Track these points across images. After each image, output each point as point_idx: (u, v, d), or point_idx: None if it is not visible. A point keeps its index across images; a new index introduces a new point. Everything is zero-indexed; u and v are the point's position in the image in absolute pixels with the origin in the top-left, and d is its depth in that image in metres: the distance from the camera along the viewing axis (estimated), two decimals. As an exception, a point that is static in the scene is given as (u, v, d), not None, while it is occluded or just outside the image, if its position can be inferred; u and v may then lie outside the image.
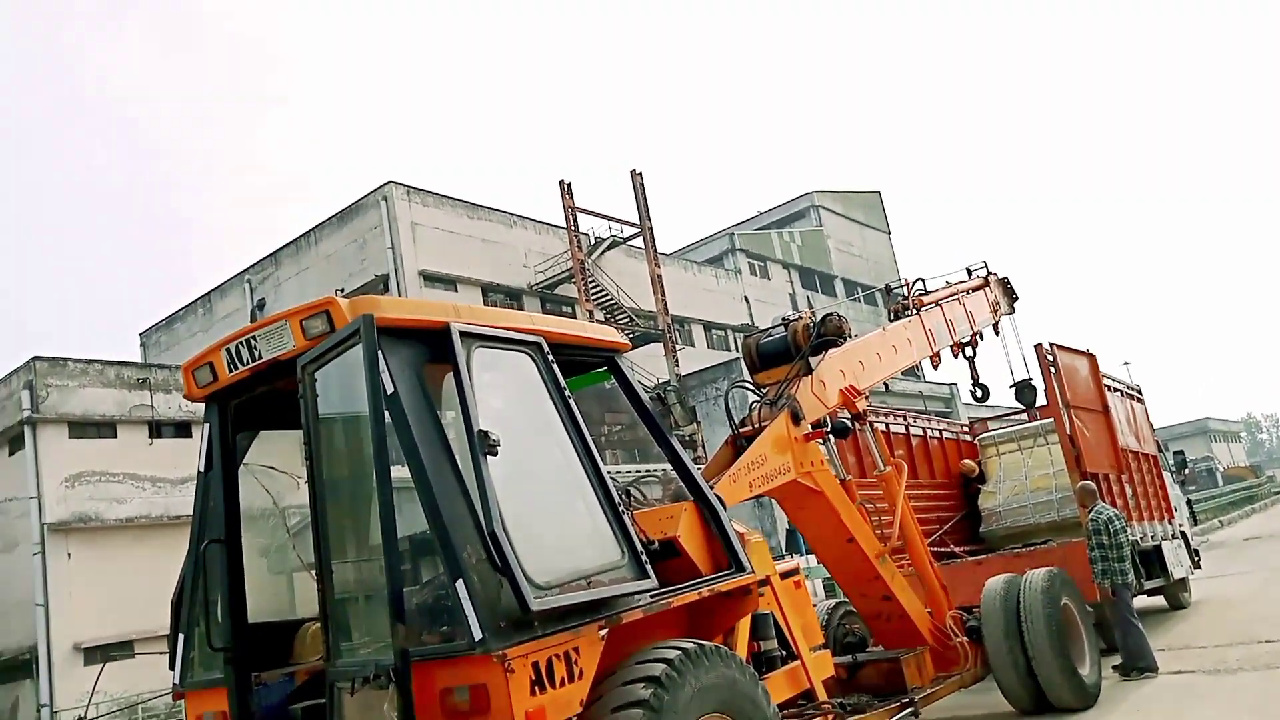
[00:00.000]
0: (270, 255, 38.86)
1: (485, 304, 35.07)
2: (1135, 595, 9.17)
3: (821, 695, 5.88)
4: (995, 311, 11.78)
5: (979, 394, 11.79)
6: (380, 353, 3.74)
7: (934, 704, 7.37)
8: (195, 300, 42.16)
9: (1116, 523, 8.98)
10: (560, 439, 4.34)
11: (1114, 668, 8.73)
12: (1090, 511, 9.06)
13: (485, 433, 3.75)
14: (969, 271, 11.93)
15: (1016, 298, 12.58)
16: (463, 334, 4.06)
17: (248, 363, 4.34)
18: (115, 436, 27.54)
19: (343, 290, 34.94)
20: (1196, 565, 13.59)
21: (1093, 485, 9.50)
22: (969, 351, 11.18)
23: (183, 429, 28.74)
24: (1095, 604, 9.44)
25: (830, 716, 5.74)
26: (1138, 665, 8.47)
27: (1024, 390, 11.64)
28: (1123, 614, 8.69)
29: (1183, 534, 13.19)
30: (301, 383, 4.02)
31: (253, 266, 39.51)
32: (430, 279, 34.53)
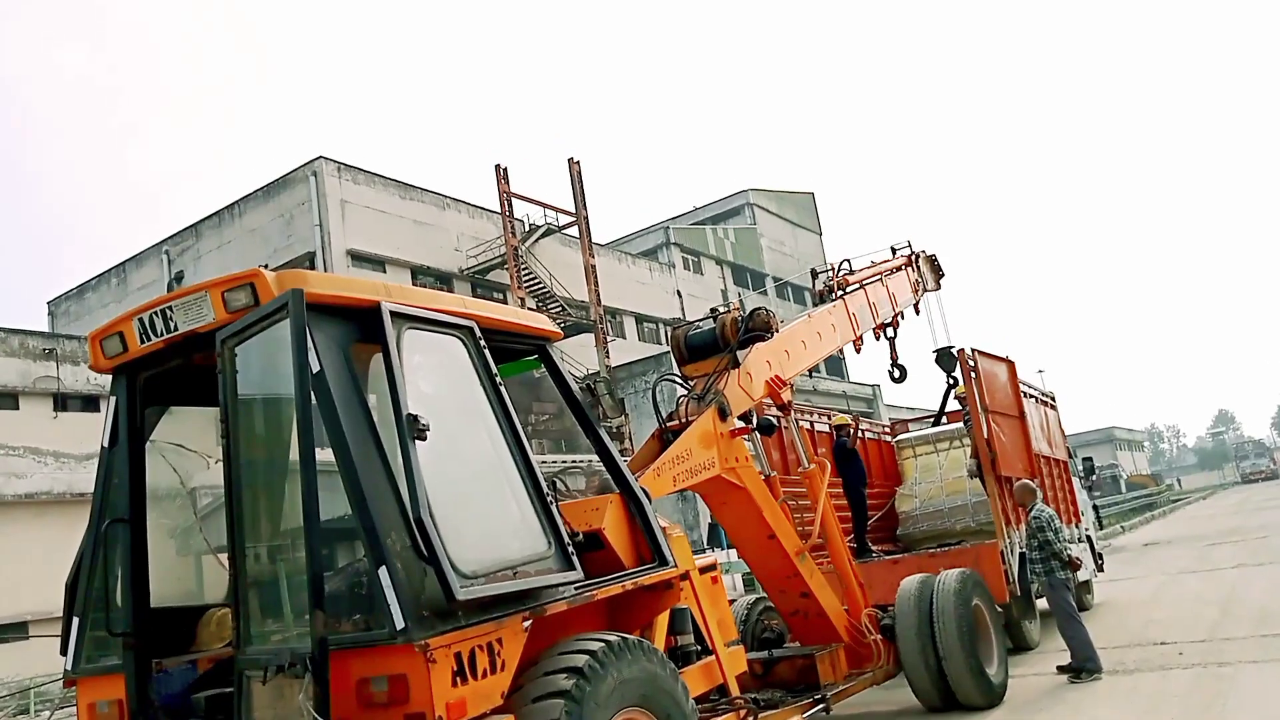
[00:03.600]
0: (190, 226, 37.61)
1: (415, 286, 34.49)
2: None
3: (735, 690, 5.92)
4: (917, 290, 12.02)
5: (897, 375, 12.03)
6: (307, 330, 3.60)
7: (845, 700, 7.48)
8: (109, 270, 40.56)
9: (1057, 521, 9.19)
10: (490, 426, 4.25)
11: (1059, 668, 8.85)
12: (1030, 510, 9.22)
13: (414, 417, 3.65)
14: (893, 250, 12.16)
15: (943, 274, 12.86)
16: (394, 314, 3.95)
17: (162, 334, 4.15)
18: (17, 408, 26.37)
19: (267, 266, 33.96)
20: (1100, 568, 14.12)
21: (1033, 485, 9.66)
22: (890, 332, 11.40)
23: (90, 402, 27.65)
24: (1005, 604, 9.71)
25: (743, 711, 5.77)
26: (1085, 667, 8.57)
27: (944, 357, 11.93)
28: (1067, 612, 8.79)
29: (1088, 537, 13.70)
30: (221, 357, 3.85)
31: (171, 237, 38.19)
32: (358, 259, 33.81)
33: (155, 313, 4.15)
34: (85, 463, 26.77)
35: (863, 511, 11.63)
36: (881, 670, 7.96)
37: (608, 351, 36.15)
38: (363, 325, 3.97)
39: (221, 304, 3.93)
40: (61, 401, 27.15)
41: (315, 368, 3.61)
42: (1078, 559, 9.25)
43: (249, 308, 3.85)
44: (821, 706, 6.95)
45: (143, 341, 4.21)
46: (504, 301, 35.83)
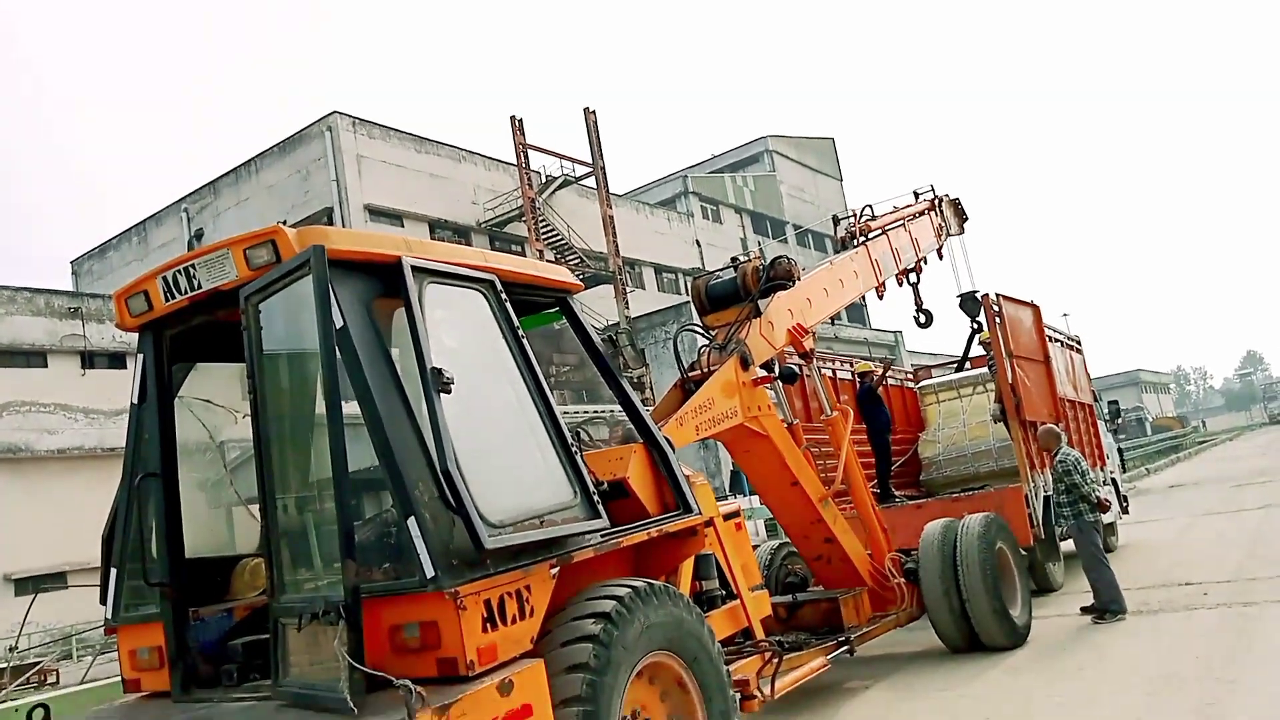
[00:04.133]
0: (209, 184, 37.65)
1: (432, 239, 34.48)
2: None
3: (759, 633, 6.00)
4: (940, 235, 11.89)
5: (922, 320, 11.95)
6: (330, 286, 3.62)
7: (869, 642, 7.57)
8: (130, 228, 40.79)
9: (1084, 463, 9.16)
10: (513, 378, 4.27)
11: (1082, 609, 8.90)
12: (1056, 454, 9.21)
13: (439, 370, 3.67)
14: (916, 195, 12.01)
15: (966, 218, 12.71)
16: (415, 269, 3.95)
17: (185, 292, 4.18)
18: (46, 366, 26.77)
19: (285, 223, 34.03)
20: (1125, 510, 14.11)
21: (1057, 429, 9.63)
22: (913, 278, 11.31)
23: (116, 360, 28.01)
24: (1028, 547, 9.74)
25: (768, 654, 5.85)
26: (1110, 608, 8.62)
27: (968, 301, 11.84)
28: (1094, 554, 8.81)
29: (1113, 480, 13.67)
30: (245, 314, 3.87)
31: (190, 195, 38.26)
32: (376, 213, 33.80)
33: (179, 271, 4.17)
34: (114, 418, 27.21)
35: (886, 457, 11.64)
36: (905, 613, 8.04)
37: (627, 302, 36.09)
38: (384, 280, 3.97)
39: (244, 261, 3.95)
40: (89, 359, 27.52)
41: (339, 323, 3.63)
42: (1106, 500, 9.23)
43: (271, 264, 3.87)
44: (845, 648, 7.05)
45: (167, 300, 4.25)
46: (522, 254, 35.77)
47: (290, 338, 4.01)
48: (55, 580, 24.36)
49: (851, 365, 13.00)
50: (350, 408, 3.69)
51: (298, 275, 3.70)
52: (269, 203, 35.14)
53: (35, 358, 26.64)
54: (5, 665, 16.00)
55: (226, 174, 37.03)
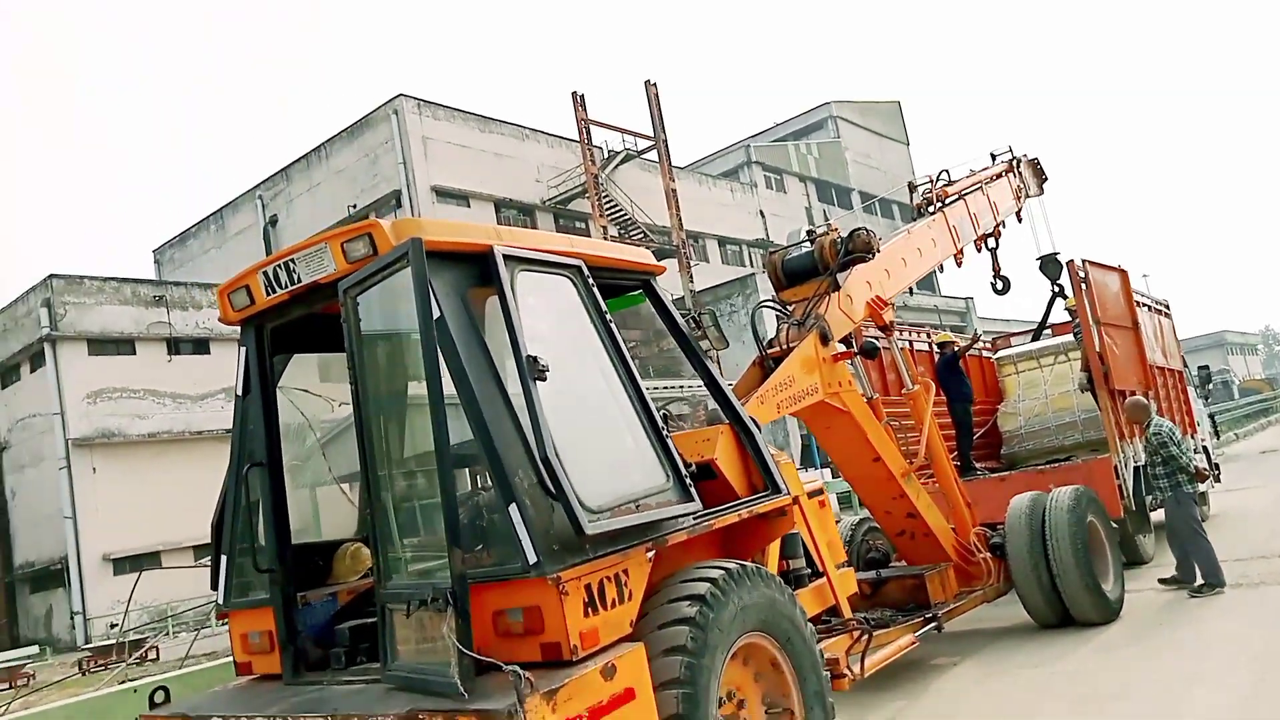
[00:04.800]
0: (281, 171, 38.48)
1: (498, 220, 34.75)
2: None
3: (846, 612, 5.97)
4: (1019, 197, 11.55)
5: (1000, 286, 11.65)
6: (427, 277, 3.66)
7: (957, 618, 7.48)
8: (207, 216, 41.97)
9: (1178, 433, 8.90)
10: (603, 363, 4.29)
11: (1160, 581, 8.77)
12: (1149, 426, 8.94)
13: (534, 358, 3.70)
14: (993, 157, 11.69)
15: (1046, 179, 12.32)
16: (506, 257, 3.98)
17: (286, 286, 4.27)
18: (134, 353, 27.79)
19: (355, 206, 34.63)
20: (1217, 479, 13.66)
21: (1145, 400, 9.37)
22: (991, 243, 10.99)
23: (200, 345, 28.95)
24: (1119, 520, 9.50)
25: (857, 632, 5.82)
26: (1209, 580, 8.40)
27: (1049, 264, 11.51)
28: (1192, 527, 8.58)
29: (1205, 448, 13.24)
30: (344, 306, 3.95)
31: (264, 182, 39.16)
32: (443, 195, 34.18)
33: (279, 265, 4.27)
34: (199, 402, 28.18)
35: (968, 430, 11.43)
36: (992, 588, 7.92)
37: (691, 276, 35.97)
38: (476, 269, 4.01)
39: (341, 255, 4.02)
40: (174, 345, 28.48)
41: (436, 314, 3.68)
42: (1205, 469, 8.95)
43: (368, 257, 3.93)
44: (934, 625, 6.98)
45: (268, 294, 4.35)
46: (586, 231, 35.85)
47: (387, 328, 4.09)
48: (150, 560, 25.41)
49: (929, 336, 12.75)
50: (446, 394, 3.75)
51: (396, 268, 3.76)
52: (339, 187, 35.78)
53: (124, 345, 27.67)
54: (112, 642, 16.79)
55: (298, 160, 37.79)
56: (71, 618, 26.02)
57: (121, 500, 26.13)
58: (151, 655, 15.41)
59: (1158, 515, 9.95)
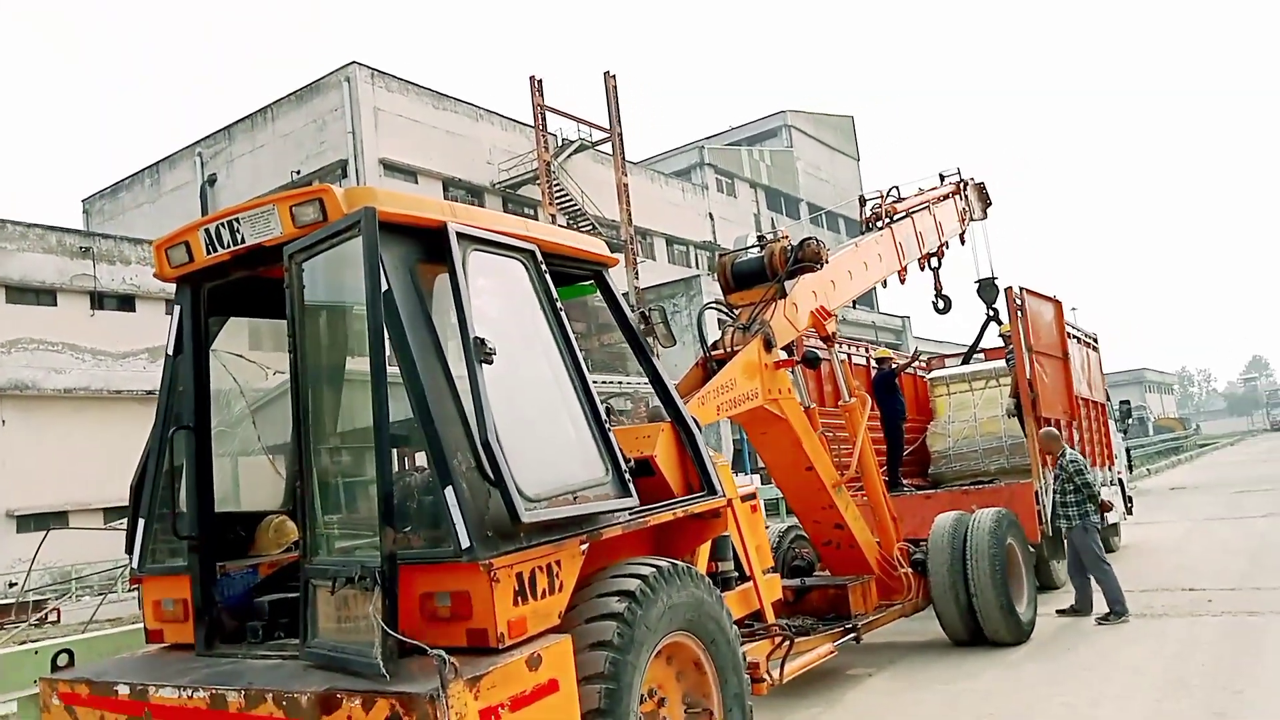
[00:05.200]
0: (224, 129, 37.43)
1: (445, 199, 34.31)
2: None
3: (770, 617, 6.02)
4: (964, 220, 11.81)
5: (941, 305, 11.88)
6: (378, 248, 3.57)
7: (875, 630, 7.60)
8: (142, 169, 40.62)
9: (1084, 464, 9.19)
10: (550, 350, 4.24)
11: (1059, 611, 9.01)
12: (1059, 457, 9.21)
13: (481, 340, 3.64)
14: (941, 177, 11.92)
15: (990, 203, 12.61)
16: (460, 235, 3.90)
17: (228, 245, 4.13)
18: (55, 304, 26.79)
19: (298, 173, 33.86)
20: (1129, 511, 14.13)
21: (1056, 432, 9.65)
22: (934, 263, 11.20)
23: (126, 302, 28.04)
24: (1036, 545, 9.76)
25: (779, 638, 5.87)
26: (1114, 609, 8.66)
27: (986, 287, 11.79)
28: (1097, 556, 8.84)
29: (1120, 480, 13.67)
30: (288, 271, 3.83)
31: (204, 139, 38.07)
32: (390, 168, 33.62)
33: (222, 224, 4.13)
34: (120, 361, 27.28)
35: (899, 446, 11.63)
36: (911, 603, 8.06)
37: (637, 272, 35.98)
38: (427, 245, 3.93)
39: (290, 218, 3.90)
40: (98, 300, 27.50)
41: (384, 287, 3.59)
42: (1109, 501, 9.28)
43: (317, 223, 3.82)
44: (853, 635, 7.08)
45: (209, 252, 4.20)
46: (534, 218, 35.58)
47: (331, 297, 3.98)
48: (57, 520, 24.48)
49: (868, 351, 12.95)
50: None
51: (346, 236, 3.66)
52: (284, 151, 34.93)
53: (45, 296, 26.64)
54: (11, 601, 16.14)
55: (242, 120, 36.80)
56: (-33, 573, 24.98)
57: (31, 455, 25.16)
58: (53, 618, 14.86)
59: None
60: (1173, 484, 27.22)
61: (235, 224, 4.08)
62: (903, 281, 10.51)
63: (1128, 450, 15.34)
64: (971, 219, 12.12)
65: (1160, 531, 15.28)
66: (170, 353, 4.50)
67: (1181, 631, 8.06)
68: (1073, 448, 9.93)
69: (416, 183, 34.29)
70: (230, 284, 4.44)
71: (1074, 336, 12.04)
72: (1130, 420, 16.72)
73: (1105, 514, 9.14)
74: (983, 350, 13.46)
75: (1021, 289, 10.56)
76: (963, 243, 12.05)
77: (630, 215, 36.94)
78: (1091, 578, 8.92)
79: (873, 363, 12.59)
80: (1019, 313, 10.35)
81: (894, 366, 12.11)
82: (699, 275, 37.15)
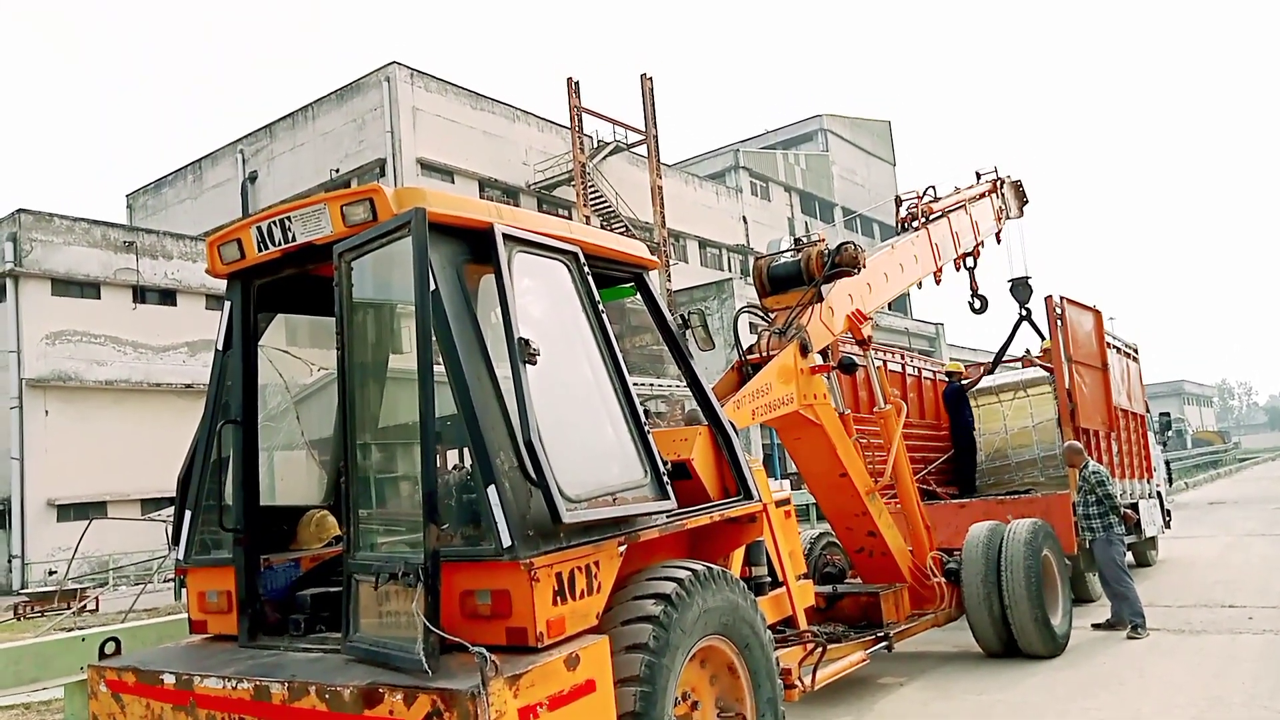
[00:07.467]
0: (265, 127, 37.90)
1: (482, 199, 34.50)
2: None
3: (802, 623, 6.01)
4: (1000, 218, 11.69)
5: (978, 305, 11.78)
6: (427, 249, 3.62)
7: (907, 639, 7.56)
8: (185, 166, 41.23)
9: (1105, 475, 9.11)
10: (591, 352, 4.27)
11: (1094, 625, 8.91)
12: (1081, 470, 9.14)
13: (526, 340, 3.67)
14: (978, 175, 11.81)
15: (1027, 201, 12.47)
16: (505, 236, 3.94)
17: (279, 243, 4.21)
18: (99, 298, 27.26)
19: (338, 171, 34.23)
20: (1167, 525, 13.93)
21: (1080, 445, 9.58)
22: (970, 262, 11.09)
23: (167, 296, 28.47)
24: (1073, 557, 9.65)
25: (811, 644, 5.86)
26: (1134, 622, 8.58)
27: (1019, 287, 11.69)
28: (1121, 567, 8.79)
29: (1158, 494, 13.48)
30: (338, 270, 3.89)
31: (246, 137, 38.56)
32: (428, 168, 33.86)
33: (274, 222, 4.20)
34: (162, 354, 27.72)
35: (971, 456, 11.74)
36: (943, 613, 8.01)
37: (669, 275, 35.97)
38: (474, 246, 3.97)
39: (340, 217, 3.96)
40: (140, 294, 27.95)
41: (432, 286, 3.64)
42: (1132, 514, 9.24)
43: (367, 223, 3.88)
44: (885, 644, 7.04)
45: (260, 249, 4.28)
46: (569, 219, 35.69)
47: (379, 296, 4.04)
48: (95, 509, 24.91)
49: (903, 357, 12.90)
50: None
51: (395, 236, 3.71)
52: (323, 149, 35.33)
53: (89, 289, 27.12)
54: (51, 589, 16.46)
55: (283, 118, 37.24)
56: (9, 561, 25.50)
57: (72, 446, 25.63)
58: (91, 606, 15.13)
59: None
60: (1211, 498, 26.76)
61: (286, 222, 4.15)
62: (938, 283, 10.41)
63: (1167, 463, 15.07)
64: (1008, 217, 12.00)
65: (1198, 546, 15.04)
66: (220, 347, 4.58)
67: (1221, 648, 7.93)
68: (1113, 459, 9.83)
69: (453, 182, 34.53)
70: (280, 281, 4.51)
71: (1114, 346, 11.89)
72: (1169, 433, 16.47)
73: (1127, 524, 9.09)
74: (1019, 359, 13.32)
75: (1062, 298, 10.45)
76: (999, 242, 11.92)
77: (664, 218, 36.93)
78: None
79: (941, 377, 12.61)
80: (1059, 322, 10.23)
81: (964, 380, 12.13)
82: (731, 278, 37.09)
